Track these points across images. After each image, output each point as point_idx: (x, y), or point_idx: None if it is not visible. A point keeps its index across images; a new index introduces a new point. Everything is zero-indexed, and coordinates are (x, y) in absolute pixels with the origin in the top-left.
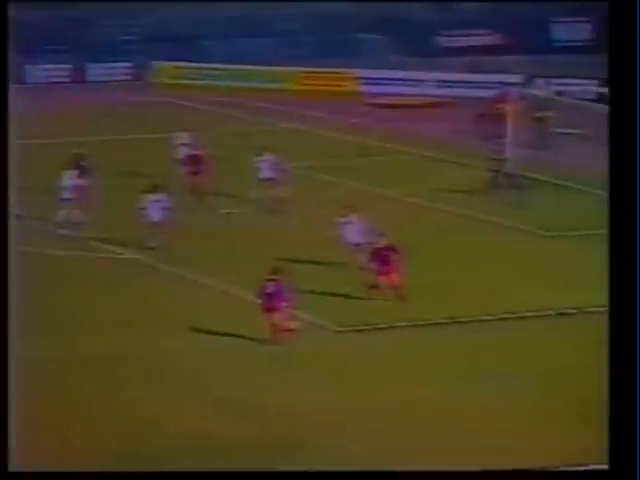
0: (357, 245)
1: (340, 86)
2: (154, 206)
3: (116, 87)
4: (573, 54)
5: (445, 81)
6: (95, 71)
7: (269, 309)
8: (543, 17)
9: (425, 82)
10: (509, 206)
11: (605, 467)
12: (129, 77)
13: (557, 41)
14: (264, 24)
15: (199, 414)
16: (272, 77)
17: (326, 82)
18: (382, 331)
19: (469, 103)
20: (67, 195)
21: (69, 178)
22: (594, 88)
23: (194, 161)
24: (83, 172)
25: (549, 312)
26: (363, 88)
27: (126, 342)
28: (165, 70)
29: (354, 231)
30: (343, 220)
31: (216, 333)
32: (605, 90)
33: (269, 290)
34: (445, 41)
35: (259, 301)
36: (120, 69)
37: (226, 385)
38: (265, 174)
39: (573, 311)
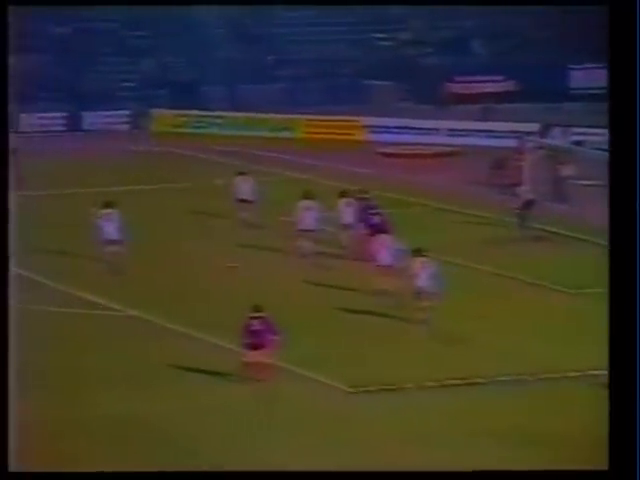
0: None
1: (347, 134)
2: None
3: (113, 136)
4: (592, 102)
5: (457, 130)
6: (91, 119)
7: (255, 347)
8: (559, 63)
9: (436, 130)
10: (527, 260)
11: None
12: (127, 126)
13: (575, 88)
14: (267, 69)
15: None
16: (276, 125)
17: (332, 130)
18: (392, 392)
19: (482, 153)
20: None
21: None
22: None
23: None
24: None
25: (570, 374)
26: (371, 137)
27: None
28: (165, 118)
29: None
30: None
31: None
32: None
33: (255, 327)
34: (457, 87)
35: (244, 340)
36: (117, 117)
37: (226, 451)
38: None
39: (597, 373)
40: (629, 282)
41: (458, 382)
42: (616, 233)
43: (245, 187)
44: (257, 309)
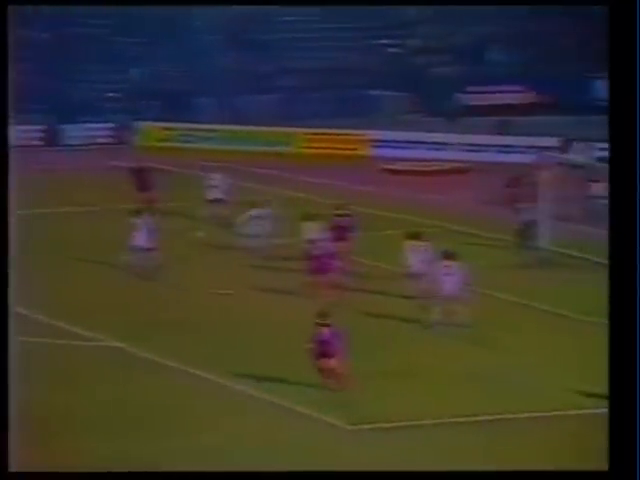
0: None
1: (350, 149)
2: None
3: (96, 151)
4: None
5: (471, 144)
6: (72, 133)
7: (326, 355)
8: (582, 72)
9: (448, 145)
10: (546, 287)
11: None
12: (110, 140)
13: (599, 100)
14: (264, 78)
15: None
16: (272, 139)
17: (334, 145)
18: (403, 430)
19: (498, 169)
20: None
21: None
22: None
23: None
24: None
25: (592, 411)
26: (377, 152)
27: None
28: (152, 132)
29: None
30: None
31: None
32: None
33: (324, 336)
34: (471, 98)
35: (311, 347)
36: (100, 130)
37: None
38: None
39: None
40: (630, 304)
41: (467, 419)
42: (616, 251)
43: (218, 185)
44: (324, 315)
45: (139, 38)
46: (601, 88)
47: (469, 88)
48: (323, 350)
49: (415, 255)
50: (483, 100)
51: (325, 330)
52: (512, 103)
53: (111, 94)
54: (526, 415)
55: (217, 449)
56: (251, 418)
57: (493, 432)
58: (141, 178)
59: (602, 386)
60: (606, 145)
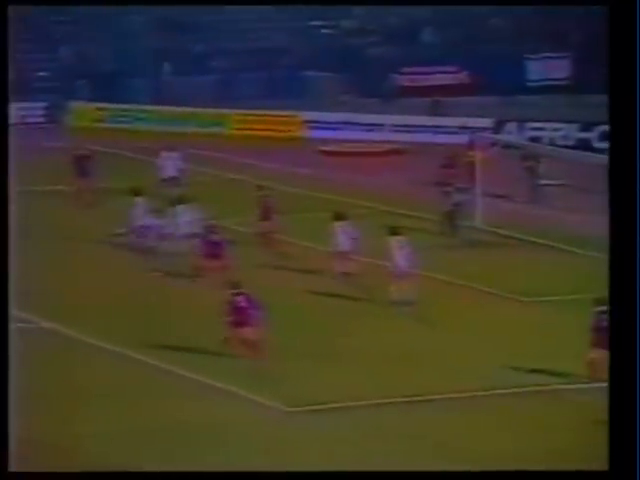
0: None
1: (284, 131)
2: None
3: (27, 131)
4: (550, 94)
5: (405, 125)
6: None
7: (240, 324)
8: (515, 53)
9: (382, 126)
10: (478, 267)
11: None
12: (42, 119)
13: (531, 80)
14: (197, 60)
15: None
16: (206, 120)
17: (268, 126)
18: (339, 411)
19: (433, 150)
20: None
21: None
22: (575, 133)
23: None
24: None
25: (527, 389)
26: (310, 133)
27: None
28: (84, 111)
29: None
30: None
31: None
32: (586, 135)
33: (240, 304)
34: (404, 79)
35: (228, 318)
36: (32, 110)
37: None
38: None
39: (553, 388)
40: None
41: (408, 399)
42: (616, 238)
43: (169, 164)
44: (237, 285)
45: (68, 17)
46: (534, 68)
47: (403, 69)
48: (239, 319)
49: (344, 235)
50: (417, 81)
51: (240, 298)
52: (446, 84)
53: (42, 73)
54: (464, 394)
55: (145, 431)
56: (178, 398)
57: (432, 412)
58: (80, 164)
59: (537, 363)
60: (538, 125)
